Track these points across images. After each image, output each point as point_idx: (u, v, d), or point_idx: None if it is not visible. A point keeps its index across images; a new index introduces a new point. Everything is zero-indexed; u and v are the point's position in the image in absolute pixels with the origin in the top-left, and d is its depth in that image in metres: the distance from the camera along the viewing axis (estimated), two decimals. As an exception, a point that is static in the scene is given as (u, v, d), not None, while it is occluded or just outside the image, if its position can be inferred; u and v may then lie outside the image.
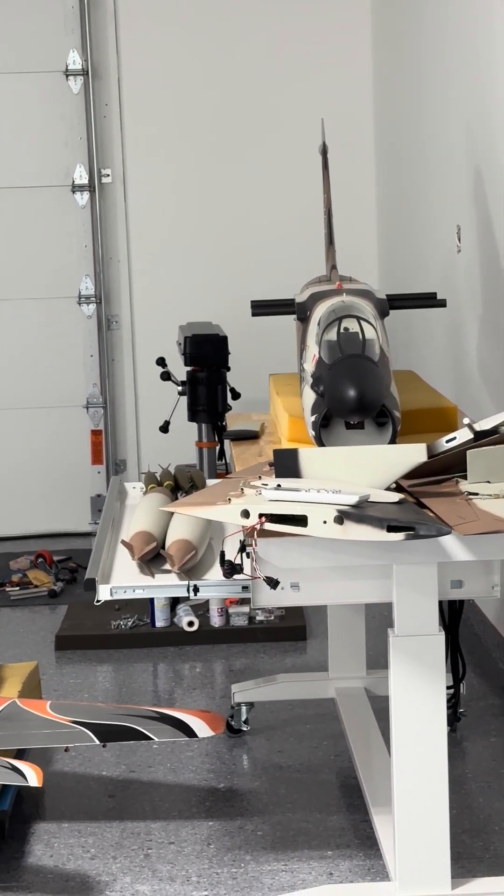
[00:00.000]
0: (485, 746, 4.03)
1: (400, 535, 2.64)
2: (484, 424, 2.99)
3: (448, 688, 3.96)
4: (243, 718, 4.16)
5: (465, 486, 2.91)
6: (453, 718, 4.07)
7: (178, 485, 3.74)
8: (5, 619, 5.45)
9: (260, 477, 2.94)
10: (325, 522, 2.69)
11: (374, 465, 2.85)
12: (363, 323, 3.13)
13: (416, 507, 2.77)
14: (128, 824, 3.65)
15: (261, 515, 2.74)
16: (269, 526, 2.74)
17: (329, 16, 6.46)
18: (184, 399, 5.53)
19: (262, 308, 3.74)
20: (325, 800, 3.73)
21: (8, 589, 5.74)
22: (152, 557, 3.20)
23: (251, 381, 5.74)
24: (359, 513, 2.67)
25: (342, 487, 2.76)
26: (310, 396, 3.11)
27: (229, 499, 2.82)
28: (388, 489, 2.85)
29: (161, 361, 5.52)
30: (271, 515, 2.74)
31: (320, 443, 3.04)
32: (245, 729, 4.16)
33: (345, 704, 3.99)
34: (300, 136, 6.25)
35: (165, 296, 6.59)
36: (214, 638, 5.03)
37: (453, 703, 4.05)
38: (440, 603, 2.98)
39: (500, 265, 4.34)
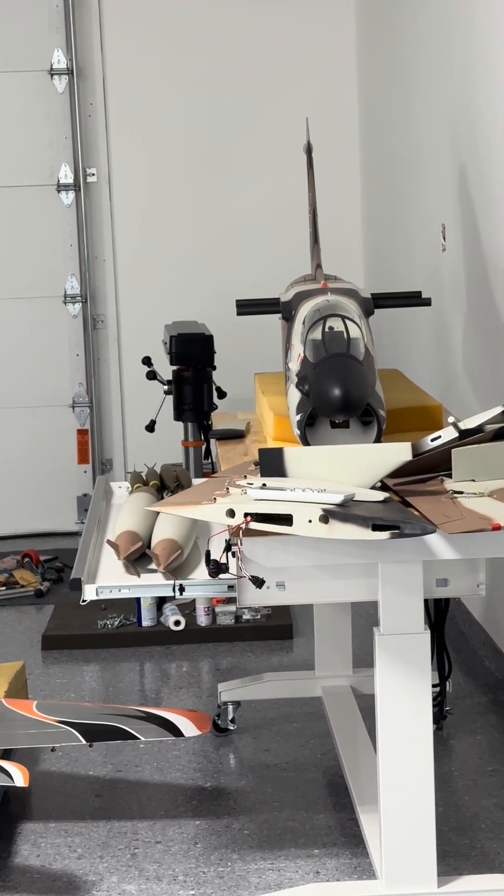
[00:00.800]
0: (471, 744, 4.04)
1: (385, 534, 2.64)
2: (469, 423, 3.00)
3: (434, 686, 3.98)
4: (230, 717, 4.16)
5: (449, 484, 2.92)
6: (440, 716, 4.08)
7: (164, 484, 3.74)
8: (-8, 619, 5.45)
9: (245, 476, 2.94)
10: (310, 521, 2.69)
11: (359, 463, 2.85)
12: (348, 322, 3.13)
13: (401, 506, 2.78)
14: (114, 824, 3.65)
15: (246, 515, 2.74)
16: (254, 525, 2.75)
17: (314, 15, 6.46)
18: (170, 398, 5.53)
19: (246, 307, 3.74)
20: (312, 798, 3.74)
21: (-6, 589, 5.74)
22: (138, 557, 3.20)
23: (237, 379, 5.74)
24: (344, 512, 2.67)
25: (327, 486, 2.77)
26: (295, 395, 3.11)
27: (215, 498, 2.82)
28: (373, 488, 2.85)
29: (147, 360, 5.52)
30: (256, 514, 2.74)
31: (305, 442, 3.04)
32: (232, 728, 4.17)
33: (331, 703, 3.99)
34: (285, 135, 6.25)
35: (151, 295, 6.59)
36: (201, 637, 5.03)
37: (439, 701, 4.06)
38: (426, 601, 2.98)
39: (484, 264, 4.35)
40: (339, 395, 2.94)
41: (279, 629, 5.04)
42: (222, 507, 2.77)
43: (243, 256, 6.57)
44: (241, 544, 2.77)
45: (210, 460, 5.59)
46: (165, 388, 5.53)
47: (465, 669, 4.59)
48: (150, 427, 5.55)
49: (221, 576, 2.86)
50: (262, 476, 2.88)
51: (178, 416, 5.54)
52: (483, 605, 4.75)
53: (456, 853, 3.41)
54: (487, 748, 4.01)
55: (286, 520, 2.72)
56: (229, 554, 2.83)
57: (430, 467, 2.98)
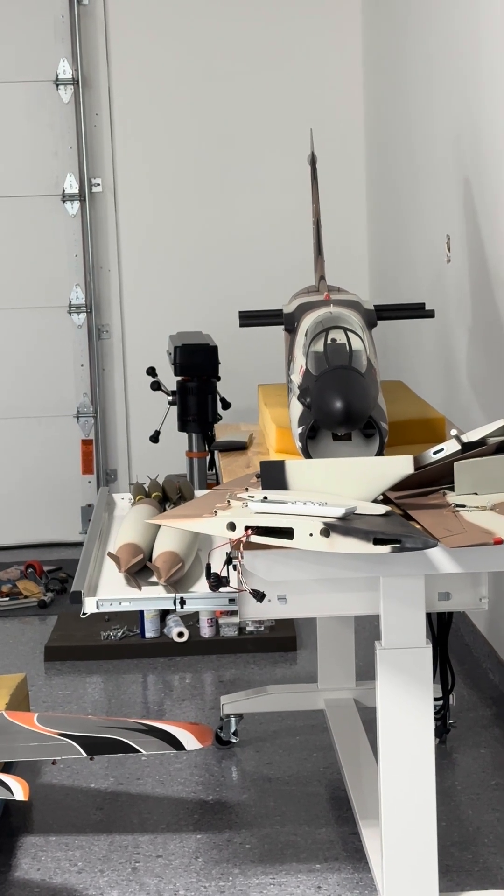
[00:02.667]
0: (474, 758, 4.02)
1: (386, 548, 2.63)
2: (472, 436, 2.98)
3: (437, 699, 3.97)
4: (232, 730, 4.15)
5: (452, 498, 2.90)
6: (443, 730, 4.06)
7: (166, 496, 3.73)
8: (-5, 630, 5.44)
9: (247, 489, 2.93)
10: (311, 535, 2.67)
11: (360, 477, 2.84)
12: (350, 334, 3.12)
13: (402, 520, 2.76)
14: (115, 837, 3.63)
15: (247, 528, 2.73)
16: (255, 538, 2.73)
17: (319, 28, 6.46)
18: (174, 409, 5.52)
19: (249, 319, 3.73)
20: (314, 812, 3.72)
21: (-3, 599, 5.73)
22: (139, 570, 3.19)
23: (242, 390, 5.74)
24: (345, 525, 2.66)
25: (328, 500, 2.75)
26: (297, 408, 3.10)
27: (215, 511, 2.81)
28: (374, 501, 2.84)
29: (151, 371, 5.51)
30: (257, 528, 2.73)
31: (307, 454, 3.02)
32: (234, 741, 4.15)
33: (334, 716, 3.98)
34: (290, 146, 6.25)
35: (156, 305, 6.58)
36: (204, 649, 5.02)
37: (443, 714, 4.05)
38: (429, 614, 2.97)
39: (489, 276, 4.33)
40: (341, 408, 2.93)
41: (283, 641, 5.03)
42: (223, 520, 2.76)
43: (247, 267, 6.56)
44: (242, 557, 2.75)
45: (214, 471, 5.58)
46: (170, 398, 5.52)
47: (469, 682, 4.57)
48: (155, 438, 5.54)
49: (222, 589, 2.84)
50: (263, 489, 2.87)
51: (183, 426, 5.53)
52: (488, 618, 4.73)
53: (458, 868, 3.38)
54: (491, 762, 3.99)
55: (287, 533, 2.70)
56: (230, 567, 2.81)
57: (432, 480, 2.97)
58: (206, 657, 4.98)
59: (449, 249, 4.82)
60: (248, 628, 5.08)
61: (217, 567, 2.83)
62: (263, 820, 3.69)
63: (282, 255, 6.47)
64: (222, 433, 3.89)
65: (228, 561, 2.81)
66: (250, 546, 2.75)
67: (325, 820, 3.67)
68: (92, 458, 6.62)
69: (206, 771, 4.01)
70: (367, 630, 4.57)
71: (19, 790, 3.24)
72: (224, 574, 2.82)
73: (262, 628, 5.08)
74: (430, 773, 2.89)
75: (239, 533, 2.73)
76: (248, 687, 4.52)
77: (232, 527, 2.74)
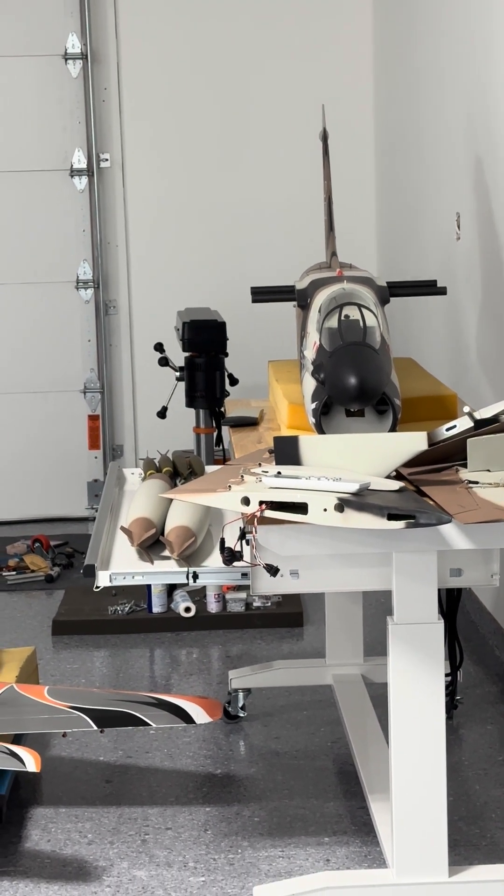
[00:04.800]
0: (481, 734, 4.04)
1: (400, 524, 2.64)
2: (484, 413, 2.99)
3: (445, 675, 3.98)
4: (240, 705, 4.17)
5: (465, 474, 2.91)
6: (450, 706, 4.08)
7: (177, 471, 3.74)
8: (2, 604, 5.45)
9: (260, 464, 2.94)
10: (325, 510, 2.69)
11: (374, 452, 2.85)
12: (364, 310, 3.13)
13: (416, 496, 2.77)
14: (125, 810, 3.65)
15: (261, 503, 2.74)
16: (269, 513, 2.74)
17: (330, 3, 6.44)
18: (181, 385, 5.52)
19: (262, 295, 3.73)
20: (322, 786, 3.74)
21: (4, 573, 5.74)
22: (151, 544, 3.20)
23: (248, 367, 5.74)
24: (359, 501, 2.67)
25: (342, 475, 2.76)
26: (310, 384, 3.10)
27: (229, 486, 2.82)
28: (388, 477, 2.85)
29: (159, 347, 5.51)
30: (271, 503, 2.74)
31: (320, 430, 3.03)
32: (242, 715, 4.17)
33: (342, 691, 3.99)
34: (300, 122, 6.24)
35: (164, 281, 6.58)
36: (211, 624, 5.03)
37: (450, 690, 4.06)
38: (439, 590, 2.98)
39: (499, 253, 4.33)
40: (355, 384, 2.93)
41: (290, 617, 5.04)
42: (237, 494, 2.77)
43: (256, 243, 6.55)
44: (256, 532, 2.76)
45: (222, 447, 5.59)
46: (177, 374, 5.52)
47: (476, 659, 4.59)
48: (162, 413, 5.55)
49: (235, 563, 2.85)
50: (277, 464, 2.87)
51: (190, 402, 5.53)
52: (494, 595, 4.74)
53: (466, 842, 3.41)
54: (498, 738, 4.01)
55: (301, 508, 2.71)
56: (243, 542, 2.82)
57: (445, 457, 2.97)
58: (213, 632, 5.00)
59: (459, 227, 4.82)
60: (254, 604, 5.09)
61: (231, 542, 2.84)
62: (272, 793, 3.71)
63: (290, 231, 6.46)
64: (232, 409, 3.90)
65: (242, 535, 2.82)
66: (264, 521, 2.76)
67: (334, 794, 3.69)
68: (98, 433, 6.63)
69: (214, 745, 4.03)
70: (374, 606, 4.59)
71: (31, 762, 3.26)
72: (238, 549, 2.83)
73: (269, 604, 5.10)
74: (441, 748, 2.91)
75: (253, 508, 2.75)
76: (255, 662, 4.54)
77: (246, 501, 2.75)
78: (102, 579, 3.06)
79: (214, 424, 5.56)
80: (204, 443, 5.61)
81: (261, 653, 4.79)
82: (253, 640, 4.93)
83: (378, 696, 3.77)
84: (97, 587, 3.06)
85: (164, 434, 6.02)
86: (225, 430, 5.15)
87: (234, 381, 5.51)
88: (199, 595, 5.15)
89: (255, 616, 5.05)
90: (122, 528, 3.25)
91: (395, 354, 3.44)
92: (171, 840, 3.48)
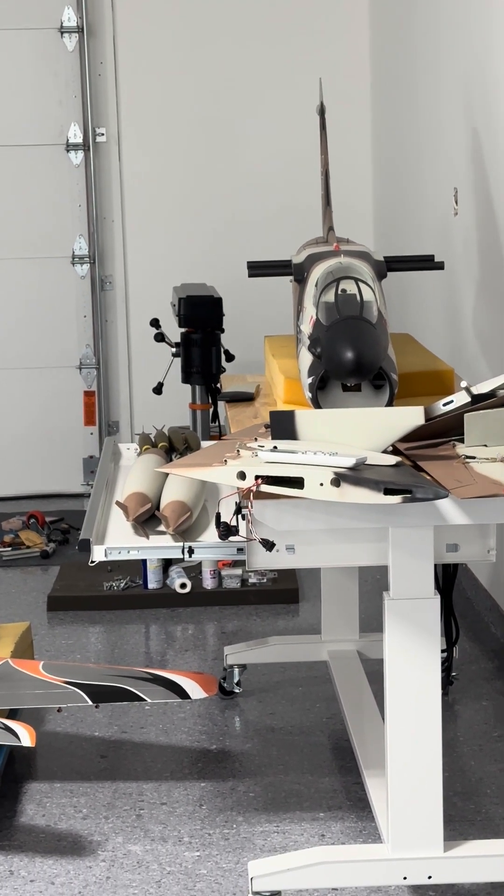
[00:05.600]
0: (476, 710, 4.04)
1: (397, 498, 2.63)
2: (481, 388, 2.98)
3: (441, 651, 3.98)
4: (236, 680, 4.17)
5: (462, 449, 2.90)
6: (446, 682, 4.08)
7: (173, 446, 3.73)
8: (-3, 580, 5.45)
9: (256, 439, 2.93)
10: (321, 485, 2.67)
11: (371, 427, 2.84)
12: (361, 285, 3.11)
13: (413, 471, 2.76)
14: (120, 785, 3.65)
15: (257, 477, 2.73)
16: (265, 488, 2.73)
17: (327, -25, 6.41)
18: (177, 361, 5.51)
19: (258, 269, 3.71)
20: (317, 762, 3.74)
21: (0, 549, 5.73)
22: (147, 518, 3.19)
23: (244, 343, 5.72)
24: (356, 475, 2.66)
25: (339, 450, 2.75)
26: (307, 358, 3.09)
27: (225, 460, 2.81)
28: (385, 452, 2.84)
29: (155, 323, 5.50)
30: (267, 477, 2.73)
31: (317, 405, 3.02)
32: (237, 691, 4.17)
33: (337, 667, 3.99)
34: (297, 96, 6.21)
35: (160, 256, 6.56)
36: (207, 600, 5.03)
37: (446, 666, 4.06)
38: (435, 566, 2.97)
39: (497, 229, 4.31)
40: (352, 358, 2.92)
41: (285, 593, 5.04)
42: (233, 469, 2.76)
43: (252, 218, 6.53)
44: (252, 507, 2.75)
45: (217, 423, 5.58)
46: (173, 350, 5.50)
47: (472, 635, 4.58)
48: (158, 389, 5.53)
49: (231, 538, 2.84)
50: (273, 439, 2.86)
51: (186, 378, 5.51)
52: (490, 571, 4.74)
53: (461, 818, 3.41)
54: (493, 714, 4.01)
55: (297, 483, 2.70)
56: (239, 517, 2.81)
57: (442, 432, 2.96)
58: (209, 608, 4.99)
59: (456, 202, 4.80)
60: (250, 580, 5.09)
61: (226, 516, 2.83)
62: (267, 769, 3.71)
63: (287, 206, 6.43)
64: (229, 384, 3.88)
65: (238, 510, 2.81)
66: (260, 495, 2.75)
67: (329, 769, 3.69)
68: (94, 409, 6.62)
69: (209, 721, 4.02)
70: (370, 583, 4.59)
71: (26, 736, 3.26)
72: (233, 523, 2.82)
73: (265, 580, 5.09)
74: (437, 723, 2.90)
75: (249, 482, 2.73)
76: (251, 638, 4.53)
77: (242, 476, 2.74)
78: (98, 554, 3.05)
79: (210, 400, 5.55)
80: (200, 419, 5.60)
81: (256, 629, 4.79)
82: (249, 616, 4.93)
83: (373, 672, 3.77)
84: (92, 562, 3.05)
85: (160, 410, 6.01)
86: (221, 405, 5.13)
87: (230, 357, 5.49)
88: (194, 571, 5.15)
89: (250, 592, 5.04)
90: (118, 503, 3.24)
91: (392, 330, 3.43)
92: (165, 815, 3.49)
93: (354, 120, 6.44)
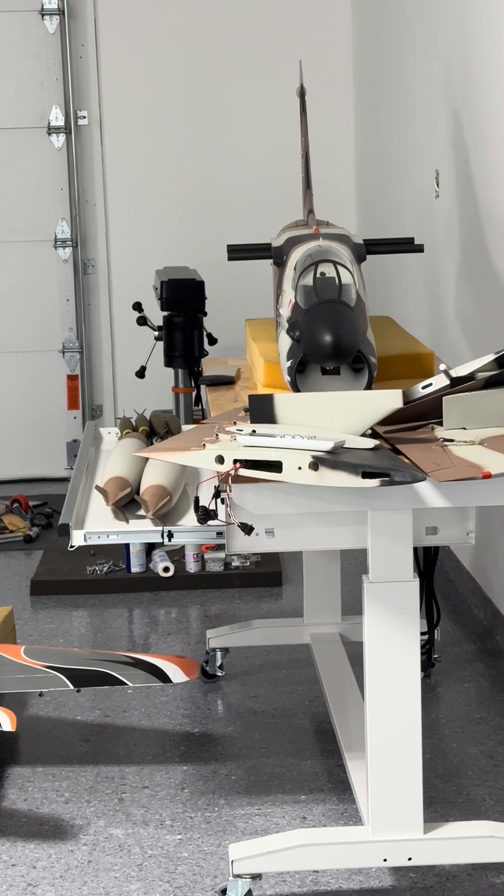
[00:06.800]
0: (458, 692, 4.05)
1: (375, 482, 2.63)
2: (460, 371, 2.98)
3: (423, 634, 3.99)
4: (218, 664, 4.17)
5: (440, 432, 2.90)
6: (428, 664, 4.09)
7: (154, 430, 3.72)
8: (-20, 565, 5.44)
9: (235, 422, 2.92)
10: (299, 468, 2.67)
11: (349, 410, 2.83)
12: (340, 268, 3.10)
13: (391, 454, 2.76)
14: (102, 769, 3.65)
15: (235, 461, 2.73)
16: (243, 472, 2.73)
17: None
18: (160, 344, 5.50)
19: (238, 252, 3.70)
20: (299, 745, 3.75)
21: (-17, 534, 5.73)
22: (127, 503, 3.19)
23: (228, 326, 5.72)
24: (334, 459, 2.66)
25: (317, 433, 2.75)
26: (285, 342, 3.09)
27: (204, 444, 2.80)
28: (363, 435, 2.84)
29: (137, 306, 5.49)
30: (246, 461, 2.72)
31: (296, 388, 3.02)
32: (220, 674, 4.17)
33: (320, 650, 3.99)
34: (279, 79, 6.19)
35: (142, 240, 6.54)
36: (190, 584, 5.03)
37: (428, 648, 4.07)
38: (415, 549, 2.97)
39: (477, 211, 4.31)
40: (330, 342, 2.92)
41: (268, 576, 5.04)
42: (211, 453, 2.76)
43: (235, 202, 6.52)
44: (230, 491, 2.75)
45: (200, 407, 5.57)
46: (156, 333, 5.50)
47: (454, 618, 4.59)
48: (141, 373, 5.53)
49: (210, 522, 2.84)
50: (251, 422, 2.86)
51: (169, 362, 5.51)
52: (472, 554, 4.75)
53: (442, 800, 3.42)
54: (475, 696, 4.02)
55: (276, 466, 2.70)
56: (218, 500, 2.81)
57: (420, 415, 2.96)
58: (192, 592, 4.99)
59: (438, 185, 4.79)
60: (233, 563, 5.09)
61: (205, 500, 2.83)
62: (249, 752, 3.72)
63: (269, 189, 6.42)
64: (209, 367, 3.88)
65: (216, 494, 2.81)
66: (238, 479, 2.74)
67: (311, 752, 3.70)
68: (77, 393, 6.61)
69: (191, 704, 4.03)
70: (352, 566, 4.59)
71: (7, 721, 3.25)
72: (212, 507, 2.82)
73: (248, 563, 5.10)
74: (416, 706, 2.91)
75: (227, 466, 2.73)
76: (234, 622, 4.54)
77: (220, 460, 2.74)
78: (77, 538, 3.05)
79: (193, 384, 5.54)
80: (183, 402, 5.60)
81: (240, 612, 4.79)
82: (232, 599, 4.93)
83: (355, 654, 3.77)
84: (71, 546, 3.05)
85: (144, 394, 6.01)
86: (203, 389, 5.13)
87: (212, 341, 5.49)
88: (177, 555, 5.15)
89: (233, 576, 5.05)
90: (97, 488, 3.23)
91: (374, 313, 3.42)
92: (147, 798, 3.49)
93: (337, 103, 6.43)
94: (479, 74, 4.23)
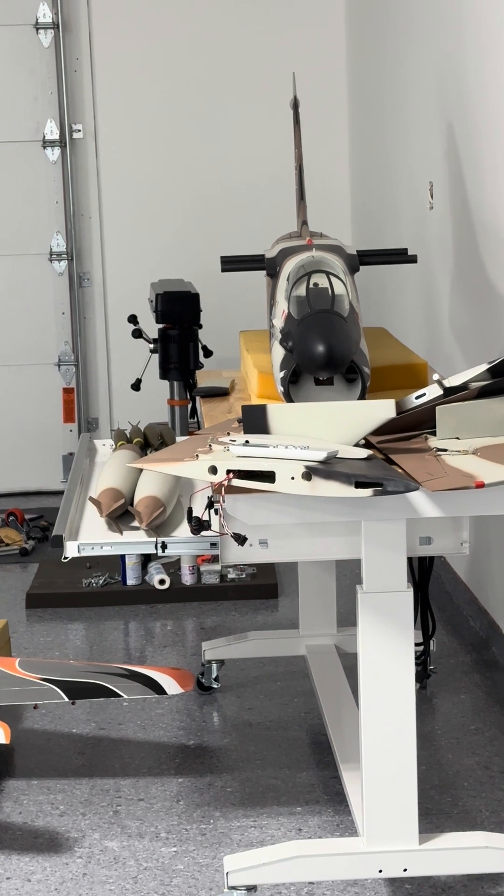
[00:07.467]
0: (454, 703, 4.04)
1: (368, 492, 2.63)
2: (453, 380, 2.98)
3: (418, 644, 3.98)
4: (214, 676, 4.16)
5: (434, 442, 2.90)
6: (424, 675, 4.08)
7: (148, 441, 3.72)
8: (-24, 578, 5.44)
9: (228, 433, 2.92)
10: (293, 479, 2.67)
11: (342, 421, 2.83)
12: (332, 278, 3.11)
13: (384, 464, 2.76)
14: (97, 781, 3.64)
15: (229, 472, 2.72)
16: (236, 482, 2.73)
17: (302, -30, 6.40)
18: (156, 357, 5.50)
19: (231, 264, 3.70)
20: (295, 756, 3.74)
21: (-21, 547, 5.73)
22: (121, 514, 3.19)
23: (223, 339, 5.72)
24: (327, 469, 2.65)
25: (310, 443, 2.75)
26: (279, 352, 3.09)
27: (197, 455, 2.80)
28: (356, 445, 2.84)
29: (133, 319, 5.49)
30: (239, 471, 2.72)
31: (289, 399, 3.02)
32: (215, 686, 4.17)
33: (315, 662, 3.99)
34: (272, 91, 6.20)
35: (137, 253, 6.55)
36: (186, 596, 5.03)
37: (423, 659, 4.07)
38: (410, 560, 2.97)
39: (471, 222, 4.32)
40: (323, 352, 2.91)
41: (264, 588, 5.04)
42: (205, 463, 2.75)
43: (229, 214, 6.52)
44: (224, 501, 2.75)
45: (196, 419, 5.57)
46: (151, 346, 5.50)
47: (450, 629, 4.59)
48: (136, 386, 5.53)
49: (204, 533, 2.84)
50: (245, 433, 2.86)
51: (164, 374, 5.51)
52: (468, 565, 4.74)
53: (438, 811, 3.41)
54: (471, 707, 4.01)
55: (269, 477, 2.70)
56: (212, 511, 2.81)
57: (414, 425, 2.96)
58: (188, 604, 4.99)
59: (432, 196, 4.80)
60: (229, 575, 5.08)
61: (199, 511, 2.82)
62: (244, 764, 3.71)
63: (264, 201, 6.43)
64: (204, 379, 3.88)
65: (210, 505, 2.81)
66: (232, 490, 2.74)
67: (306, 764, 3.69)
68: (73, 406, 6.61)
69: (187, 716, 4.02)
70: (348, 577, 4.59)
71: (1, 734, 3.24)
72: (205, 518, 2.81)
73: (244, 575, 5.09)
74: (411, 717, 2.90)
75: (220, 476, 2.73)
76: (230, 634, 4.53)
77: (213, 470, 2.74)
78: (70, 550, 3.04)
79: (189, 396, 5.54)
80: (178, 415, 5.59)
81: (235, 624, 4.78)
82: (228, 611, 4.92)
83: (351, 666, 3.76)
84: (65, 558, 3.05)
85: (139, 406, 6.00)
86: (198, 401, 5.13)
87: (208, 353, 5.49)
88: (173, 567, 5.14)
89: (229, 588, 5.04)
90: (91, 499, 3.23)
91: (369, 324, 3.42)
92: (143, 811, 3.48)
93: (331, 114, 6.44)
94: (473, 86, 4.23)
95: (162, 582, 5.00)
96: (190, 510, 2.85)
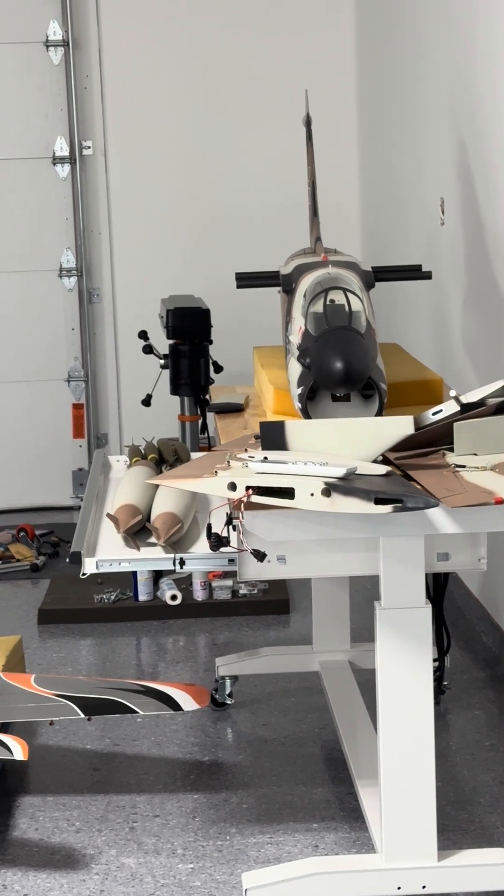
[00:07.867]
0: (469, 719, 4.04)
1: (387, 508, 2.63)
2: (470, 397, 2.98)
3: (433, 661, 3.98)
4: (227, 692, 4.16)
5: (451, 458, 2.91)
6: (438, 691, 4.08)
7: (163, 458, 3.73)
8: (-13, 594, 5.44)
9: (246, 449, 2.93)
10: (312, 495, 2.68)
11: (361, 437, 2.84)
12: (349, 295, 3.12)
13: (403, 480, 2.76)
14: (113, 797, 3.64)
15: (248, 488, 2.73)
16: (255, 498, 2.73)
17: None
18: (166, 372, 5.51)
19: (246, 280, 3.71)
20: (310, 772, 3.74)
21: (-10, 563, 5.73)
22: (138, 530, 3.19)
23: (232, 354, 5.72)
24: (346, 485, 2.66)
25: (329, 460, 2.76)
26: (296, 369, 3.09)
27: (216, 471, 2.81)
28: (374, 462, 2.84)
29: (143, 335, 5.50)
30: (258, 488, 2.73)
31: (307, 415, 3.02)
32: (229, 702, 4.16)
33: (329, 677, 3.99)
34: (283, 107, 6.21)
35: (147, 269, 6.56)
36: (197, 612, 5.03)
37: (438, 675, 4.06)
38: (426, 576, 2.97)
39: (483, 238, 4.33)
40: (341, 368, 2.92)
41: (276, 604, 5.04)
42: (224, 480, 2.76)
43: (239, 230, 6.54)
44: (243, 518, 2.75)
45: (207, 435, 5.58)
46: (162, 362, 5.51)
47: (463, 645, 4.59)
48: (147, 401, 5.53)
49: (222, 549, 2.84)
50: (263, 449, 2.86)
51: (175, 390, 5.51)
52: (481, 581, 4.74)
53: (455, 827, 3.41)
54: (485, 723, 4.01)
55: (288, 493, 2.71)
56: (230, 527, 2.81)
57: (431, 441, 2.97)
58: (200, 620, 4.99)
59: (443, 212, 4.81)
60: (241, 591, 5.08)
61: (217, 527, 2.83)
62: (260, 780, 3.71)
63: (273, 217, 6.44)
64: (218, 395, 3.89)
65: (229, 521, 2.81)
66: (251, 506, 2.75)
67: (322, 780, 3.69)
68: (83, 422, 6.61)
69: (201, 732, 4.02)
70: (361, 593, 4.59)
71: (19, 750, 3.25)
72: (224, 534, 2.82)
73: (256, 591, 5.09)
74: (430, 733, 2.90)
75: (240, 493, 2.73)
76: (242, 649, 4.53)
77: (233, 487, 2.74)
78: (89, 566, 3.05)
79: (199, 412, 5.55)
80: (189, 430, 5.60)
81: (248, 640, 4.78)
82: (240, 627, 4.92)
83: (365, 682, 3.76)
84: (83, 574, 3.05)
85: (149, 422, 6.00)
86: (210, 417, 5.14)
87: (218, 369, 5.49)
88: (185, 583, 5.14)
89: (241, 603, 5.04)
90: (108, 515, 3.24)
91: (380, 340, 3.43)
92: (159, 827, 3.48)
93: (341, 131, 6.45)
94: (484, 103, 4.25)
95: (174, 598, 4.97)
96: (209, 526, 2.86)
